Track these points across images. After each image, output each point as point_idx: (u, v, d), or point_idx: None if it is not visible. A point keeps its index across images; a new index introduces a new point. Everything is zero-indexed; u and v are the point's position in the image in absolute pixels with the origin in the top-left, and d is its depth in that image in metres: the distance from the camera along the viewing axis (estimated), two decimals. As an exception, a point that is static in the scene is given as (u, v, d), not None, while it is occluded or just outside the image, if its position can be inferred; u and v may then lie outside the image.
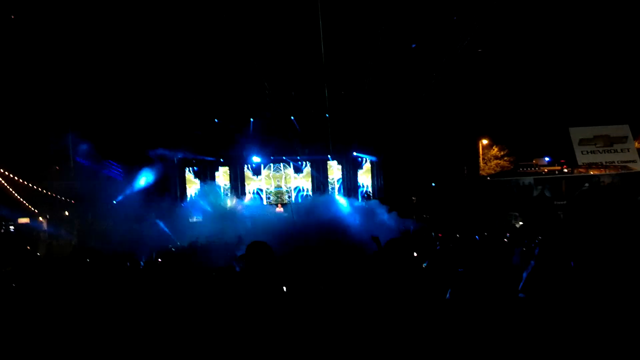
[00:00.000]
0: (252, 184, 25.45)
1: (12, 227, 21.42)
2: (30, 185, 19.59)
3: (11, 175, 19.89)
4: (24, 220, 21.91)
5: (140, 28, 18.23)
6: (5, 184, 20.07)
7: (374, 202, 20.50)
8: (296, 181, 25.62)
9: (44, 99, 18.40)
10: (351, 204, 20.77)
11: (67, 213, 20.78)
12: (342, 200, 21.53)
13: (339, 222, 16.27)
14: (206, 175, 25.27)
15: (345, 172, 25.74)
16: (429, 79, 20.37)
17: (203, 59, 20.26)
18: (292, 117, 24.17)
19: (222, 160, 25.42)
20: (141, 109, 20.92)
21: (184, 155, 24.45)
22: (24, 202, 20.47)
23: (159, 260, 12.76)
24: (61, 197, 19.83)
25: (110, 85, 19.08)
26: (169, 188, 23.96)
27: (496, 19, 18.14)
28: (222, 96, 22.79)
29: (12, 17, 16.34)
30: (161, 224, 18.67)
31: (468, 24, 18.48)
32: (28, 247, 18.10)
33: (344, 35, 19.72)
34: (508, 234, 13.14)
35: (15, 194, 20.21)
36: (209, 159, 25.13)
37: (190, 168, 25.59)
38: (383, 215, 18.68)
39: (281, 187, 25.50)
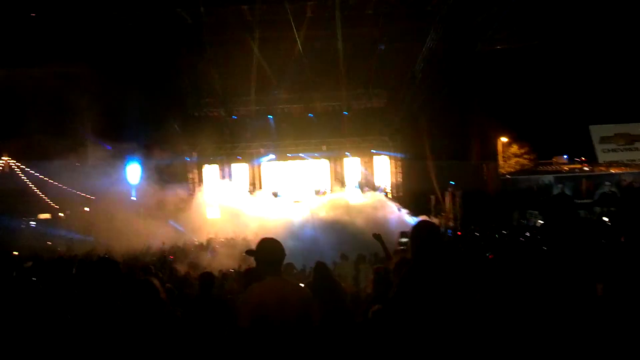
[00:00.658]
0: (270, 180, 25.29)
1: (33, 223, 21.69)
2: (50, 181, 19.81)
3: (32, 172, 20.17)
4: (44, 216, 22.16)
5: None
6: (27, 180, 20.36)
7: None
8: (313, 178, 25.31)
9: (62, 95, 18.61)
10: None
11: (87, 209, 20.95)
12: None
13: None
14: (224, 172, 25.24)
15: (363, 169, 25.48)
16: (449, 76, 20.26)
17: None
18: (310, 115, 24.13)
19: (239, 157, 25.36)
20: (162, 106, 21.07)
21: (201, 152, 24.51)
22: (45, 198, 20.72)
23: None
24: (81, 193, 20.01)
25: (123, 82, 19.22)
26: (187, 185, 24.02)
27: (516, 17, 17.99)
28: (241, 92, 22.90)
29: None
30: (172, 222, 18.83)
31: (489, 22, 18.37)
32: (49, 243, 18.35)
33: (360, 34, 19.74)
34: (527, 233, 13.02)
35: (37, 190, 20.49)
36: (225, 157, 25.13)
37: (208, 165, 25.59)
38: None
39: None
